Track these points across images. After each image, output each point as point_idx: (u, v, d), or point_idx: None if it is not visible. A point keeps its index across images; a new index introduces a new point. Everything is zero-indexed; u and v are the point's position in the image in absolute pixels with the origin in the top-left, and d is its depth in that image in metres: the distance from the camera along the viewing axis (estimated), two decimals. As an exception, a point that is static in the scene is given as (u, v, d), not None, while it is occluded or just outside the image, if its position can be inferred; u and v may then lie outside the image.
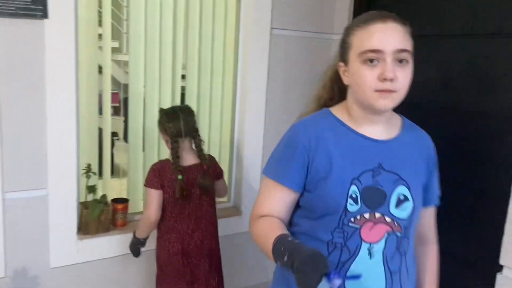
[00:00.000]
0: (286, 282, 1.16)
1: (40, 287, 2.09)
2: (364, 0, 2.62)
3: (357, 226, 1.05)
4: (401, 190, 1.08)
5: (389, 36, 1.01)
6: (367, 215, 1.05)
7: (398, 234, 1.08)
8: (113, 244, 2.24)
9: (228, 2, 2.53)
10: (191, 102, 2.55)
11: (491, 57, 1.90)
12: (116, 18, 3.06)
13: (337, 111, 1.15)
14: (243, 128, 2.56)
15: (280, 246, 0.99)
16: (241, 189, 2.61)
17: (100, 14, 2.32)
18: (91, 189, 2.16)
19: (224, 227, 2.50)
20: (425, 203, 1.18)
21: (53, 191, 2.04)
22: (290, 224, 1.19)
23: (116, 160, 5.02)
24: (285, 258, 0.95)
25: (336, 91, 1.20)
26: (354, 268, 1.05)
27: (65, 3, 1.92)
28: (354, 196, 1.05)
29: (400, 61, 1.02)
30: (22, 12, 1.84)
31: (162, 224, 1.99)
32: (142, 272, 2.35)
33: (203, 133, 2.59)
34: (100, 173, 2.51)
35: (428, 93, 2.11)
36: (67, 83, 1.99)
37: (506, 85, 1.58)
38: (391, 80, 1.00)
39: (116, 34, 3.63)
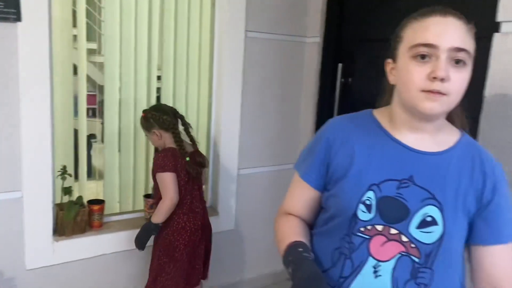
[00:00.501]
0: None
1: (15, 289, 2.10)
2: (335, 5, 2.70)
3: (367, 237, 0.95)
4: (430, 210, 0.94)
5: (446, 31, 0.89)
6: (379, 228, 0.95)
7: (416, 259, 0.94)
8: (90, 245, 2.25)
9: (203, 4, 2.57)
10: (167, 102, 2.57)
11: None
12: (93, 18, 3.05)
13: (379, 112, 1.06)
14: (219, 128, 2.60)
15: (288, 256, 0.97)
16: (218, 190, 2.65)
17: (74, 14, 2.33)
18: (67, 190, 2.17)
19: (201, 226, 2.54)
20: (484, 240, 0.98)
21: (28, 193, 2.05)
22: (315, 225, 1.12)
23: (94, 162, 4.99)
24: (290, 270, 0.94)
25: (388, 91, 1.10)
26: (355, 285, 0.96)
27: (39, 5, 1.93)
28: (368, 202, 0.96)
29: (457, 61, 0.90)
30: (-6, 14, 1.85)
31: (178, 207, 2.07)
32: (120, 273, 2.37)
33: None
34: (76, 175, 2.52)
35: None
36: (41, 85, 1.99)
37: (477, 87, 1.67)
38: (442, 80, 0.88)
39: (93, 35, 3.62)
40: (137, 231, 2.20)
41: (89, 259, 2.26)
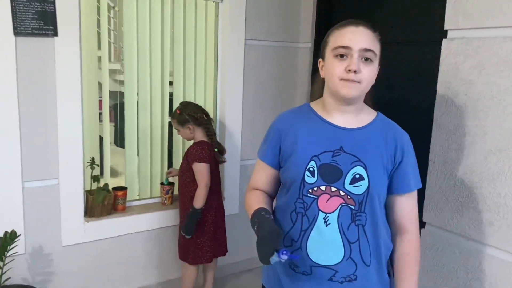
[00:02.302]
0: (275, 270, 1.39)
1: (53, 263, 2.47)
2: (324, 13, 3.07)
3: (315, 197, 1.23)
4: (357, 170, 1.23)
5: (357, 37, 1.20)
6: (323, 188, 1.22)
7: (352, 207, 1.23)
8: (115, 226, 2.62)
9: (208, 18, 2.95)
10: (177, 104, 2.94)
11: (422, 60, 2.36)
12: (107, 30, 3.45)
13: (314, 103, 1.36)
14: (224, 125, 2.97)
15: (254, 218, 1.25)
16: (223, 178, 3.01)
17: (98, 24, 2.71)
18: (95, 178, 2.55)
19: (209, 211, 2.91)
20: (394, 190, 1.30)
21: (64, 180, 2.42)
22: (277, 201, 1.40)
23: (112, 164, 5.42)
24: (255, 229, 1.21)
25: (322, 91, 1.36)
26: (314, 235, 1.23)
27: (71, 22, 2.31)
28: (311, 169, 1.24)
29: (366, 59, 1.20)
30: (36, 31, 2.23)
31: (209, 192, 2.47)
32: (140, 250, 2.73)
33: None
34: (102, 172, 2.90)
35: (378, 92, 2.57)
36: (73, 90, 2.37)
37: (434, 83, 2.00)
38: (355, 72, 1.18)
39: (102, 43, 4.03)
40: (154, 213, 2.60)
41: (115, 238, 2.63)
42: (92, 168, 2.54)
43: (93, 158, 2.56)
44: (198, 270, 2.63)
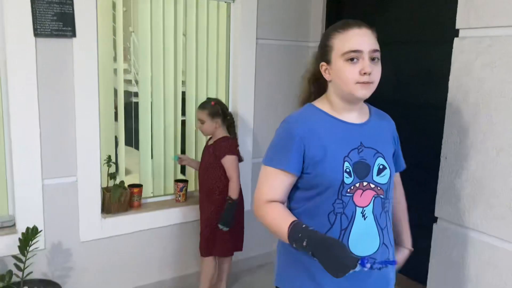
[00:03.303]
0: (306, 270, 1.32)
1: (72, 258, 2.53)
2: (334, 13, 3.12)
3: (350, 195, 1.26)
4: (380, 161, 1.31)
5: (365, 39, 1.24)
6: (358, 185, 1.27)
7: (382, 196, 1.30)
8: (131, 222, 2.68)
9: (220, 18, 3.00)
10: (190, 103, 3.01)
11: (432, 59, 2.40)
12: (125, 31, 3.51)
13: (319, 104, 1.36)
14: (236, 123, 3.01)
15: (297, 232, 1.19)
16: (235, 176, 3.06)
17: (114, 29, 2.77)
18: (112, 176, 2.61)
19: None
20: (396, 169, 1.46)
21: (81, 178, 2.48)
22: (295, 204, 1.37)
23: (127, 163, 5.48)
24: (304, 243, 1.16)
25: (313, 89, 1.43)
26: (355, 231, 1.26)
27: (89, 23, 2.37)
28: (348, 170, 1.26)
29: (373, 59, 1.25)
30: (56, 33, 2.29)
31: None
32: (155, 246, 2.79)
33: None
34: (117, 169, 2.96)
35: (383, 90, 2.61)
36: (91, 89, 2.43)
37: (444, 82, 2.04)
38: (369, 74, 1.23)
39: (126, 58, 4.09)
40: (169, 210, 2.65)
41: (131, 233, 2.69)
42: (109, 166, 2.59)
43: (109, 156, 2.61)
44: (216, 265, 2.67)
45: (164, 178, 3.01)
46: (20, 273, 2.19)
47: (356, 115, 1.34)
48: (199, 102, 3.03)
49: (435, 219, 2.05)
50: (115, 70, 2.89)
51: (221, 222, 2.48)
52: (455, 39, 1.92)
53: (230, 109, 3.06)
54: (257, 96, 3.04)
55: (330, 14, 3.13)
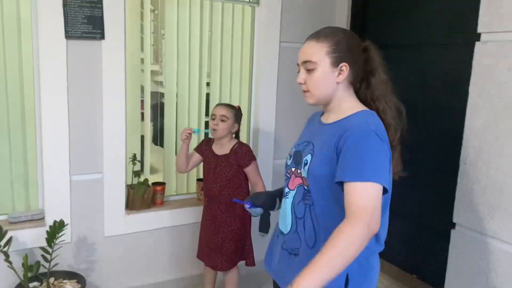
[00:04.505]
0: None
1: (96, 251, 2.63)
2: (359, 15, 3.12)
3: (289, 176, 1.45)
4: (308, 157, 1.37)
5: (302, 51, 1.39)
6: (293, 169, 1.43)
7: (305, 187, 1.37)
8: (154, 219, 2.76)
9: (244, 21, 3.05)
10: (214, 104, 3.05)
11: (452, 62, 2.37)
12: (156, 38, 3.62)
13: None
14: (257, 125, 3.07)
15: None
16: (256, 177, 3.10)
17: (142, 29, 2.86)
18: (136, 173, 2.70)
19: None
20: (338, 177, 1.26)
21: (107, 175, 2.58)
22: None
23: (152, 162, 5.58)
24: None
25: None
26: (282, 206, 1.48)
27: (117, 26, 2.47)
28: (290, 154, 1.47)
29: (308, 70, 1.36)
30: (85, 35, 2.40)
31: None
32: (177, 243, 2.86)
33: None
34: (142, 169, 3.05)
35: (409, 93, 2.59)
36: (118, 89, 2.53)
37: (464, 85, 2.02)
38: (300, 83, 1.39)
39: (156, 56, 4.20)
40: (191, 208, 2.70)
41: (153, 230, 2.77)
42: (134, 164, 2.68)
43: (134, 154, 2.70)
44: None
45: (187, 176, 3.08)
46: (47, 264, 2.29)
47: (327, 116, 1.43)
48: (223, 102, 3.09)
49: (452, 224, 2.03)
50: (143, 71, 2.98)
51: (262, 229, 2.18)
52: (477, 43, 1.91)
53: (252, 111, 3.11)
54: (279, 98, 3.08)
55: (355, 17, 3.13)
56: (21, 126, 2.47)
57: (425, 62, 2.59)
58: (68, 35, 2.35)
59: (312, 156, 1.36)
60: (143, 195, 2.68)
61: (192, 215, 2.87)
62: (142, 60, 2.90)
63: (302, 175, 1.38)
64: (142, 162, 3.00)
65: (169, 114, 2.98)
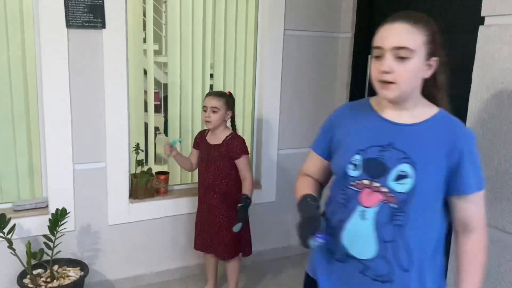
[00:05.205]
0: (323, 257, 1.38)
1: (100, 240, 2.65)
2: (365, 3, 3.05)
3: (358, 190, 1.22)
4: (404, 167, 1.18)
5: (390, 35, 1.15)
6: (366, 182, 1.21)
7: (393, 205, 1.18)
8: (157, 208, 2.77)
9: (248, 9, 3.01)
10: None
11: (460, 48, 2.30)
12: (156, 22, 3.59)
13: (373, 98, 1.33)
14: (261, 115, 3.04)
15: (299, 204, 1.31)
16: (260, 167, 3.09)
17: (144, 21, 2.86)
18: (139, 162, 2.71)
19: (247, 198, 2.99)
20: (454, 192, 1.21)
21: (110, 164, 2.60)
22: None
23: (157, 151, 5.62)
24: (299, 213, 1.28)
25: None
26: (350, 227, 1.24)
27: (118, 15, 2.47)
28: (355, 163, 1.23)
29: (400, 57, 1.14)
30: (86, 24, 2.40)
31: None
32: (180, 231, 2.87)
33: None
34: (146, 161, 3.06)
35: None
36: (120, 79, 2.53)
37: (467, 71, 1.95)
38: (388, 72, 1.14)
39: (158, 38, 4.18)
40: (194, 198, 2.69)
41: (156, 219, 2.78)
42: (137, 153, 2.69)
43: (137, 144, 2.71)
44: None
45: (191, 166, 3.07)
46: (50, 252, 2.32)
47: (403, 114, 1.23)
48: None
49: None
50: (146, 59, 2.98)
51: (239, 222, 2.26)
52: (480, 27, 1.84)
53: (256, 101, 3.09)
54: (283, 87, 3.04)
55: (362, 3, 3.06)
56: (25, 116, 2.50)
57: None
58: (69, 25, 2.36)
59: (414, 167, 1.18)
60: (146, 184, 2.68)
61: (195, 204, 2.85)
62: (144, 52, 2.89)
63: (384, 190, 1.19)
64: (147, 151, 3.01)
65: (173, 104, 2.97)
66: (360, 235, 1.22)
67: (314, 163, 1.42)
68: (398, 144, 1.21)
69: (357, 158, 1.23)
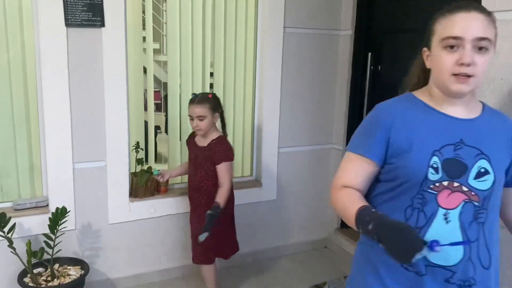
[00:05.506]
0: (369, 263, 1.23)
1: (101, 239, 2.65)
2: (365, 0, 3.04)
3: (435, 193, 1.13)
4: (482, 163, 1.14)
5: (470, 24, 1.08)
6: (445, 183, 1.13)
7: (476, 203, 1.13)
8: (157, 206, 2.77)
9: (248, 7, 3.00)
10: (218, 92, 3.04)
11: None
12: (156, 21, 3.59)
13: (419, 94, 1.24)
14: (262, 113, 3.04)
15: (365, 215, 1.09)
16: (261, 165, 3.08)
17: (143, 19, 2.86)
18: (139, 161, 2.70)
19: (247, 196, 3.01)
20: (510, 184, 1.21)
21: (111, 162, 2.59)
22: (374, 196, 1.26)
23: (159, 149, 5.62)
24: (370, 227, 1.06)
25: (422, 76, 1.27)
26: (432, 233, 1.12)
27: (118, 14, 2.46)
28: (435, 166, 1.13)
29: (480, 48, 1.08)
30: (86, 23, 2.40)
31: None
32: (180, 230, 2.87)
33: (229, 119, 3.10)
34: (147, 159, 3.06)
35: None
36: (119, 77, 2.53)
37: None
38: (469, 65, 1.07)
39: (158, 37, 4.17)
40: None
41: (157, 217, 2.78)
42: (137, 152, 2.69)
43: (137, 142, 2.71)
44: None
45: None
46: (50, 251, 2.32)
47: (461, 110, 1.18)
48: (227, 94, 3.07)
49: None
50: (146, 57, 2.97)
51: (205, 231, 2.17)
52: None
53: (256, 99, 3.08)
54: (284, 85, 3.03)
55: (362, 1, 3.05)
56: (25, 115, 2.50)
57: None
58: (68, 23, 2.36)
59: (490, 162, 1.15)
60: (146, 183, 2.68)
61: (196, 203, 2.86)
62: (144, 51, 2.89)
63: (467, 189, 1.13)
64: (147, 150, 3.01)
65: (173, 102, 2.96)
66: (445, 241, 1.09)
67: (362, 170, 1.23)
68: (468, 140, 1.15)
69: (435, 160, 1.14)
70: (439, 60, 1.12)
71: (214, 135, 2.37)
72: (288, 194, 3.20)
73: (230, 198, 2.44)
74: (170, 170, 2.67)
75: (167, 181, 2.82)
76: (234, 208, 2.52)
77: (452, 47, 1.09)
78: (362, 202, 1.16)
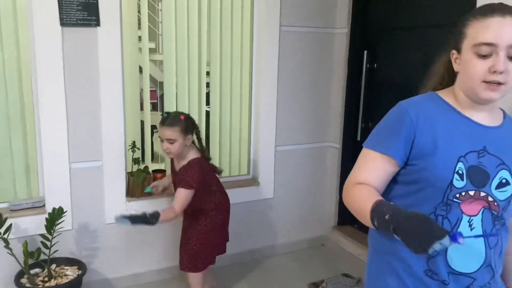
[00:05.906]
0: (393, 274, 1.19)
1: (98, 239, 2.65)
2: (361, -2, 3.04)
3: (459, 201, 1.10)
4: (503, 174, 1.12)
5: (505, 31, 1.03)
6: (471, 193, 1.09)
7: (494, 212, 1.12)
8: (154, 206, 2.75)
9: (244, 6, 3.00)
10: (214, 93, 3.04)
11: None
12: (152, 20, 3.58)
13: (444, 94, 1.19)
14: (259, 111, 3.03)
15: (382, 207, 1.02)
16: (258, 164, 3.08)
17: (139, 18, 2.85)
18: (136, 161, 2.70)
19: (244, 195, 3.01)
20: None
21: (107, 162, 2.59)
22: (390, 199, 1.21)
23: (155, 149, 5.60)
24: (387, 216, 0.98)
25: (446, 76, 1.23)
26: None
27: (113, 13, 2.45)
28: (460, 172, 1.09)
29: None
30: (81, 22, 2.39)
31: (211, 195, 2.34)
32: (177, 228, 2.84)
33: (226, 118, 3.10)
34: (143, 159, 3.05)
35: (413, 75, 2.53)
36: (115, 77, 2.52)
37: None
38: (501, 72, 1.03)
39: (152, 35, 4.16)
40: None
41: (154, 217, 2.77)
42: (133, 151, 2.68)
43: (134, 142, 2.70)
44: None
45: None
46: (47, 251, 2.32)
47: (485, 116, 1.15)
48: (223, 93, 3.06)
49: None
50: (142, 58, 2.97)
51: (130, 221, 2.08)
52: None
53: (253, 98, 3.08)
54: (280, 83, 3.03)
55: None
56: (20, 115, 2.49)
57: (430, 43, 2.52)
58: (63, 23, 2.35)
59: (510, 173, 1.13)
60: (143, 183, 2.68)
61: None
62: (140, 50, 2.88)
63: (491, 200, 1.11)
64: (142, 149, 3.01)
65: (169, 102, 2.96)
66: (468, 247, 1.10)
67: (382, 169, 1.17)
68: (490, 148, 1.13)
69: (461, 166, 1.10)
70: (470, 66, 1.08)
71: (189, 157, 2.24)
72: (285, 192, 3.20)
73: (225, 206, 2.40)
74: (162, 180, 2.63)
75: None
76: (228, 215, 2.45)
77: (484, 54, 1.05)
78: (378, 197, 1.09)
